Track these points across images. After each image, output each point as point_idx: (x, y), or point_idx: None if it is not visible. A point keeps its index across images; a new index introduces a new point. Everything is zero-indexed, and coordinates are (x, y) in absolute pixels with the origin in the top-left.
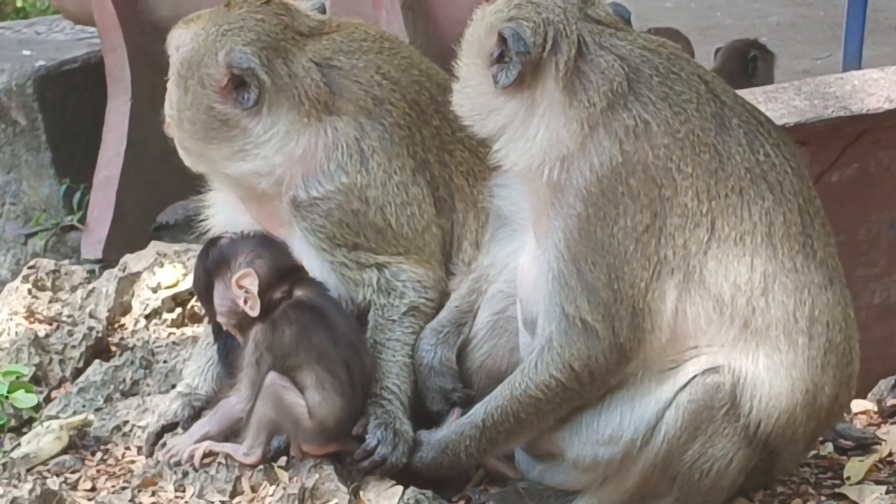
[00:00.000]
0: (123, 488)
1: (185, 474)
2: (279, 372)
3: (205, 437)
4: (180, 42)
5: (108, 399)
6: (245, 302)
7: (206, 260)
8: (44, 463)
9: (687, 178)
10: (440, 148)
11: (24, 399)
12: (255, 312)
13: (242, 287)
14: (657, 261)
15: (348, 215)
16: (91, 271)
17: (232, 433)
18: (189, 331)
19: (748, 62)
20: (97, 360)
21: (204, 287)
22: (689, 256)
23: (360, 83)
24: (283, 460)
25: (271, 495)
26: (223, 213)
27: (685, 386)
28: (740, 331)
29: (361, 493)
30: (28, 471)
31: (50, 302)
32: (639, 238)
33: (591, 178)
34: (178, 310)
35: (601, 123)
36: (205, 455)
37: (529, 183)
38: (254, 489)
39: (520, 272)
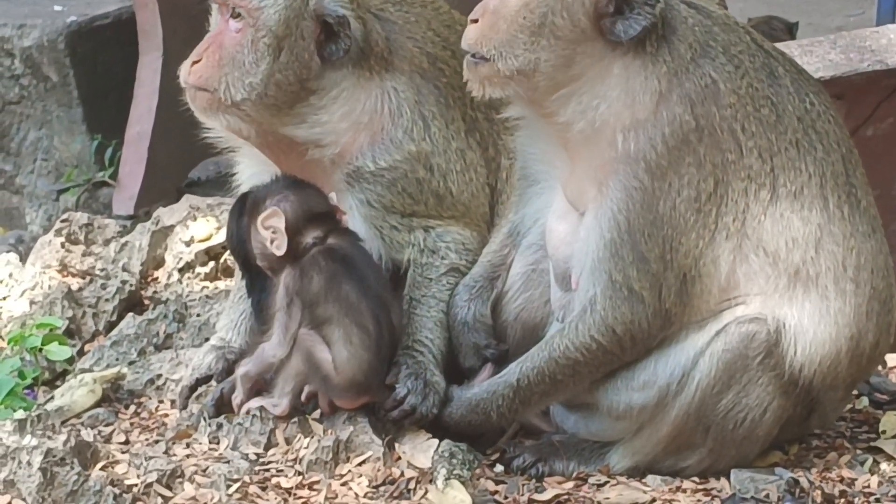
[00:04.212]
0: (157, 441)
1: (220, 426)
2: (308, 322)
3: (248, 378)
4: (259, 2)
5: (142, 352)
6: (272, 242)
7: (236, 210)
8: (77, 416)
9: (751, 138)
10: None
11: (58, 352)
12: (280, 252)
13: (269, 227)
14: (715, 228)
15: (412, 184)
16: (124, 225)
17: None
18: (222, 284)
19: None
20: (130, 314)
21: (236, 238)
22: (749, 219)
23: (416, 39)
24: (317, 413)
25: (305, 447)
26: (254, 169)
27: (719, 333)
28: (789, 280)
29: (396, 445)
30: (62, 423)
31: (83, 255)
32: (700, 208)
33: (662, 150)
34: (211, 263)
35: (676, 83)
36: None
37: (573, 142)
38: (288, 441)
39: (547, 230)
